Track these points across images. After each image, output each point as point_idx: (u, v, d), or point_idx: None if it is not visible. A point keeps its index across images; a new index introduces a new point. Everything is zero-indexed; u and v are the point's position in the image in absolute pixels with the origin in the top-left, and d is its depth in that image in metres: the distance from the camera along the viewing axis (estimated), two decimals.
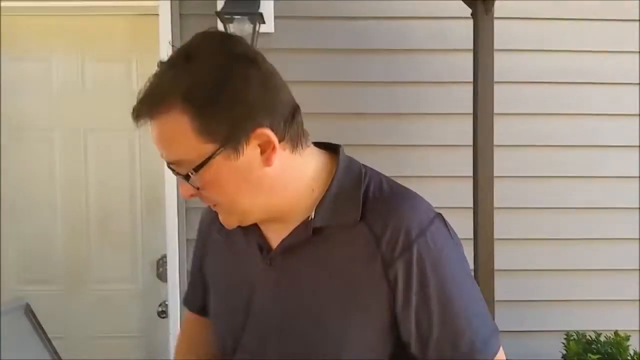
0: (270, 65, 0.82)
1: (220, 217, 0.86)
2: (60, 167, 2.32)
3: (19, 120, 2.30)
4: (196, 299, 1.09)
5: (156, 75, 0.78)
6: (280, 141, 0.79)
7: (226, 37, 0.82)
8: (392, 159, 2.12)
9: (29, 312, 1.65)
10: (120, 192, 2.33)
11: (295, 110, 0.83)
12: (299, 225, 0.84)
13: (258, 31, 1.92)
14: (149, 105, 0.76)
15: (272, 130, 0.78)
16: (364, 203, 0.82)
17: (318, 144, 0.91)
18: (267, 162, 0.79)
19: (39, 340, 1.64)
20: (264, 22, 1.94)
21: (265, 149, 0.78)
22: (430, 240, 0.80)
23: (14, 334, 1.62)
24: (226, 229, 0.90)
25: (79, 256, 2.33)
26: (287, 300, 0.86)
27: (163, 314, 2.26)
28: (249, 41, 1.90)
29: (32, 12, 2.24)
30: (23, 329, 1.63)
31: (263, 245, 0.89)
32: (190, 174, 0.77)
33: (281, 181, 0.82)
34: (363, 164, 0.90)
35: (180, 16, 2.09)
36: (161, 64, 0.79)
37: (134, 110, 0.78)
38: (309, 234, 0.83)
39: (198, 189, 0.80)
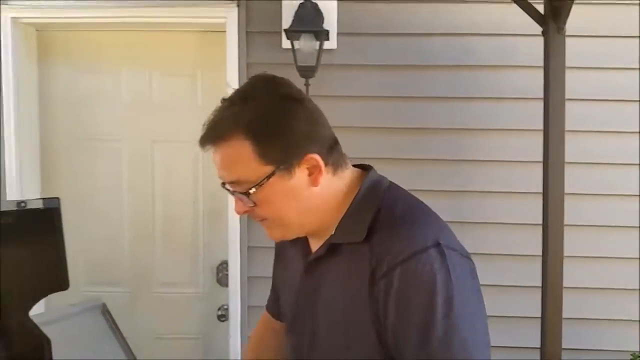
0: (313, 104, 0.96)
1: (267, 232, 0.99)
2: (128, 175, 2.43)
3: (91, 131, 2.42)
4: (274, 305, 1.25)
5: (219, 110, 0.92)
6: (325, 165, 0.92)
7: (275, 80, 0.96)
8: (455, 174, 2.14)
9: (106, 312, 1.75)
10: (183, 200, 2.42)
11: (334, 141, 0.96)
12: (325, 241, 0.97)
13: (322, 47, 1.99)
14: (215, 135, 0.91)
15: (319, 156, 0.91)
16: (373, 224, 0.91)
17: (358, 165, 1.03)
18: (314, 182, 0.92)
19: (114, 339, 1.74)
20: (328, 39, 2.01)
21: (313, 172, 0.92)
22: (415, 266, 0.83)
23: (92, 332, 1.72)
24: (287, 241, 1.07)
25: (144, 260, 2.44)
26: (311, 305, 1.00)
27: (222, 317, 2.35)
28: (314, 57, 1.98)
29: (104, 27, 2.36)
30: (100, 327, 1.73)
31: (306, 255, 1.03)
32: (249, 191, 0.90)
33: (322, 199, 0.95)
34: (391, 186, 0.99)
35: (246, 33, 2.16)
36: (223, 100, 0.94)
37: (201, 138, 0.92)
38: (327, 249, 0.96)
39: (253, 205, 0.93)
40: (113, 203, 2.43)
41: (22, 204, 1.25)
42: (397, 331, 0.85)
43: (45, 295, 1.35)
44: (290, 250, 1.11)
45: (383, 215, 0.91)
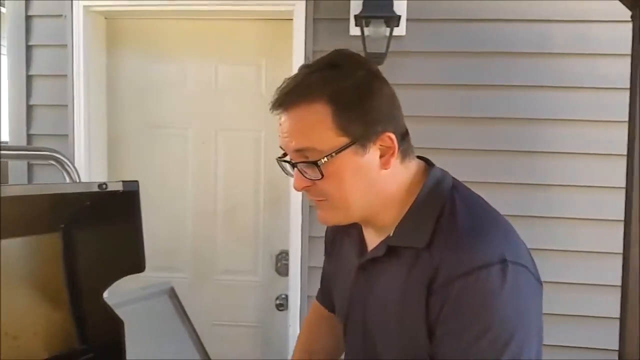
0: (392, 88, 0.93)
1: (321, 214, 0.95)
2: (193, 163, 2.45)
3: (157, 119, 2.45)
4: (325, 298, 1.27)
5: (300, 75, 0.89)
6: (397, 149, 0.89)
7: (360, 55, 0.94)
8: (527, 166, 2.06)
9: (174, 296, 1.77)
10: (245, 189, 2.43)
11: (406, 130, 0.94)
12: (382, 241, 0.94)
13: (392, 34, 1.94)
14: (296, 95, 0.87)
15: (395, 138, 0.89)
16: (435, 230, 0.87)
17: (419, 157, 1.00)
18: (385, 164, 0.89)
19: (181, 323, 1.75)
20: (398, 25, 1.96)
21: (385, 153, 0.89)
22: (475, 282, 0.79)
23: (159, 316, 1.74)
24: (342, 233, 1.07)
25: (206, 247, 2.46)
26: (364, 300, 0.98)
27: (281, 306, 2.34)
28: (384, 44, 1.94)
29: (171, 16, 2.37)
30: (168, 311, 1.75)
31: (361, 251, 1.01)
32: (320, 160, 0.86)
33: (388, 185, 0.91)
34: (455, 185, 0.94)
35: (313, 20, 2.13)
36: (305, 66, 0.91)
37: (276, 100, 0.88)
38: (384, 251, 0.92)
39: (318, 179, 0.87)
40: (177, 190, 2.46)
41: (104, 186, 1.26)
42: (444, 342, 0.82)
43: (121, 277, 1.36)
44: (345, 241, 1.09)
45: (446, 220, 0.87)
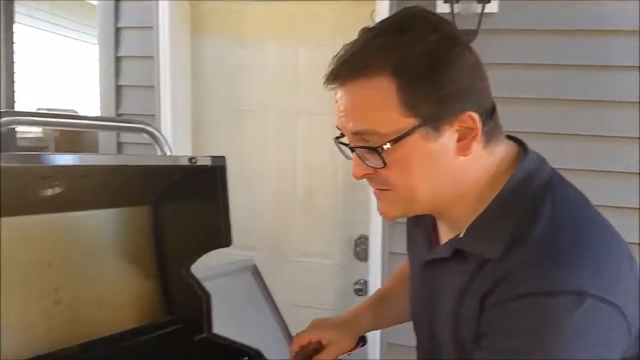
0: (477, 54, 0.76)
1: (382, 206, 0.82)
2: (273, 145, 2.46)
3: (239, 102, 2.48)
4: None
5: (361, 40, 0.75)
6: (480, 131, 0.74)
7: (436, 15, 0.77)
8: (628, 153, 1.89)
9: (256, 273, 1.79)
10: (323, 171, 2.41)
11: (494, 106, 0.77)
12: (450, 240, 0.81)
13: (483, 10, 1.86)
14: (353, 67, 0.73)
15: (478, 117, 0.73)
16: (511, 239, 0.71)
17: (512, 138, 0.83)
18: (465, 150, 0.74)
19: (264, 300, 1.77)
20: (489, 1, 1.87)
21: (464, 137, 0.73)
22: (533, 307, 0.65)
23: (242, 292, 1.76)
24: (413, 223, 0.98)
25: (284, 228, 2.47)
26: (429, 296, 0.88)
27: (360, 291, 2.32)
28: (474, 22, 1.85)
29: None
30: (251, 288, 1.77)
31: (430, 245, 0.91)
32: (382, 146, 0.72)
33: (463, 175, 0.76)
34: (553, 183, 0.76)
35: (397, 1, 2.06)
36: (367, 30, 0.76)
37: (331, 72, 0.76)
38: (450, 253, 0.80)
39: (380, 167, 0.74)
40: (257, 171, 2.48)
41: (193, 160, 1.28)
42: (484, 356, 0.72)
43: (207, 251, 1.37)
44: (415, 231, 0.98)
45: (526, 228, 0.71)
